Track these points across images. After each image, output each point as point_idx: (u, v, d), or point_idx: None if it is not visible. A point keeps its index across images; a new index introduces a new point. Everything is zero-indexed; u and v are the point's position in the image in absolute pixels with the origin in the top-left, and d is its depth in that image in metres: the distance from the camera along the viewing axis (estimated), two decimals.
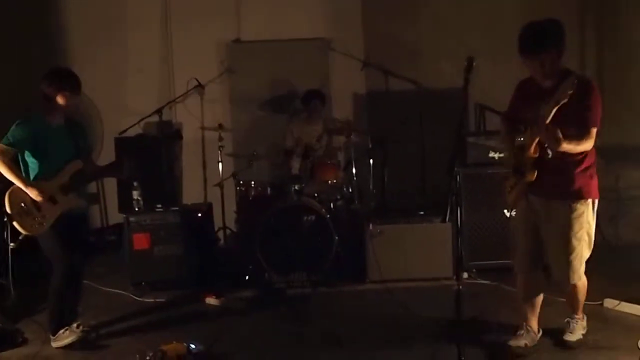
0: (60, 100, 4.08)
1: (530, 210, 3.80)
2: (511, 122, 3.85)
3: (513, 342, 3.88)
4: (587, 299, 3.94)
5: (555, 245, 3.71)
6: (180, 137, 4.69)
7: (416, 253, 5.20)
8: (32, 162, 4.08)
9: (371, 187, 6.03)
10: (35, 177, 4.07)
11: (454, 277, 3.42)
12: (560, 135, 3.36)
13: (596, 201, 3.70)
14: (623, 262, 5.33)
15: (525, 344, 3.87)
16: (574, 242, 3.64)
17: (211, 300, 5.01)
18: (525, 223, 3.86)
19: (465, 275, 5.26)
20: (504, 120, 3.93)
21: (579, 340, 3.89)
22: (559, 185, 3.62)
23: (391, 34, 6.91)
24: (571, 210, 3.62)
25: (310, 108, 6.31)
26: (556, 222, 3.67)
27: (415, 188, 6.34)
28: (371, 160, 5.99)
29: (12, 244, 4.33)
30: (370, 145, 6.03)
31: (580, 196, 3.62)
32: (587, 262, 3.73)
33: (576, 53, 6.33)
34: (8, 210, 3.98)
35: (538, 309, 3.97)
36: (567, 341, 3.88)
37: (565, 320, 3.95)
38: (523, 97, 3.77)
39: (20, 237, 4.15)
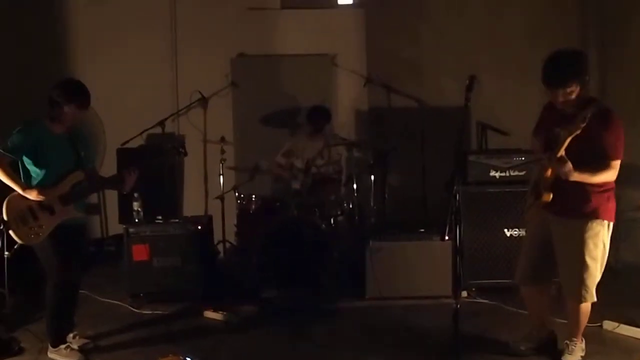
0: (68, 111, 4.05)
1: (543, 226, 3.84)
2: (538, 138, 3.90)
3: (513, 343, 4.08)
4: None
5: (569, 263, 3.73)
6: (185, 154, 4.65)
7: (415, 270, 5.18)
8: (32, 171, 4.04)
9: (372, 203, 6.02)
10: (36, 186, 4.01)
11: (453, 296, 3.42)
12: (570, 167, 3.41)
13: (611, 224, 3.71)
14: (623, 284, 5.31)
15: (528, 348, 4.05)
16: (589, 261, 3.66)
17: (209, 314, 4.99)
18: (535, 237, 3.93)
19: (465, 293, 5.24)
20: (534, 135, 3.98)
21: None
22: (576, 204, 3.65)
23: (394, 50, 6.94)
24: (587, 229, 3.65)
25: (316, 125, 6.28)
26: (572, 240, 3.69)
27: (415, 205, 6.34)
28: (372, 176, 5.98)
29: (7, 253, 4.24)
30: (372, 161, 6.04)
31: (596, 216, 3.65)
32: None
33: None
34: (5, 217, 3.91)
35: (543, 317, 4.09)
36: None
37: (565, 341, 3.94)
38: (546, 119, 3.83)
39: (15, 247, 4.08)
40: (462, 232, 5.13)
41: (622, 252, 5.82)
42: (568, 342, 3.91)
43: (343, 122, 6.97)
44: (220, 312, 4.96)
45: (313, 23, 6.98)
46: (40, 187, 3.99)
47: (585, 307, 3.78)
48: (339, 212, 5.84)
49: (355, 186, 5.82)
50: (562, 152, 3.45)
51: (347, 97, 7.03)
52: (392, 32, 6.97)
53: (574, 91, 3.53)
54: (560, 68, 3.55)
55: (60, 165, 4.09)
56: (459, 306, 3.28)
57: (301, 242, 5.40)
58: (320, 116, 6.25)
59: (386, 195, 6.11)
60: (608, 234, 3.71)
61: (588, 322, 3.92)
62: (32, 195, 3.93)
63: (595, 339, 4.21)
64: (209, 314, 4.99)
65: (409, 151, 6.39)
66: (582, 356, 3.91)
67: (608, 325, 4.46)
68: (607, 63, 6.42)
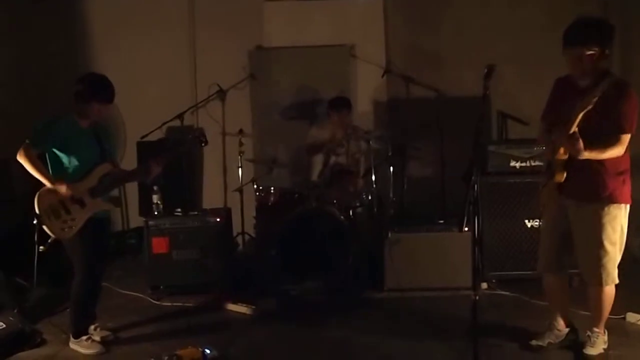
0: (93, 106, 4.08)
1: (561, 212, 3.78)
2: (548, 121, 3.82)
3: (534, 341, 3.98)
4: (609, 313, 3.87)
5: (588, 248, 3.68)
6: (206, 143, 4.64)
7: (435, 262, 5.15)
8: (61, 163, 4.06)
9: (391, 194, 5.99)
10: (64, 179, 4.02)
11: (472, 287, 3.39)
12: (582, 146, 3.35)
13: (628, 207, 3.66)
14: None
15: (549, 342, 3.97)
16: (608, 245, 3.62)
17: (227, 306, 5.01)
18: (553, 224, 3.87)
19: (485, 285, 5.20)
20: (542, 119, 3.91)
21: (600, 355, 3.83)
22: (592, 188, 3.60)
23: (413, 41, 6.89)
24: (605, 214, 3.60)
25: (337, 114, 6.21)
26: (590, 225, 3.64)
27: (434, 196, 6.29)
28: (391, 168, 5.95)
29: (41, 247, 4.14)
30: (390, 153, 5.99)
31: (613, 200, 3.60)
32: None
33: None
34: (37, 211, 3.92)
35: (565, 308, 4.02)
36: (587, 355, 3.82)
37: (587, 333, 3.89)
38: (559, 95, 3.76)
39: (49, 241, 4.02)
40: (483, 223, 5.10)
41: None
42: (590, 333, 3.86)
43: (362, 113, 6.93)
44: (239, 304, 4.98)
45: (331, 14, 6.93)
46: (70, 181, 4.02)
47: (609, 291, 3.72)
48: (357, 204, 5.82)
49: (374, 178, 5.79)
50: (574, 129, 3.39)
51: (366, 88, 6.99)
52: (411, 22, 6.91)
53: (593, 55, 3.45)
54: (582, 28, 3.48)
55: (88, 159, 4.13)
56: (477, 298, 3.25)
57: (320, 234, 5.40)
58: (342, 106, 6.18)
59: (405, 187, 6.07)
60: (626, 216, 3.66)
61: (610, 314, 3.86)
62: (62, 190, 3.95)
63: (618, 331, 4.15)
64: (228, 306, 5.00)
65: (427, 142, 6.34)
66: (604, 348, 3.86)
67: (631, 317, 4.40)
68: (630, 48, 6.29)
